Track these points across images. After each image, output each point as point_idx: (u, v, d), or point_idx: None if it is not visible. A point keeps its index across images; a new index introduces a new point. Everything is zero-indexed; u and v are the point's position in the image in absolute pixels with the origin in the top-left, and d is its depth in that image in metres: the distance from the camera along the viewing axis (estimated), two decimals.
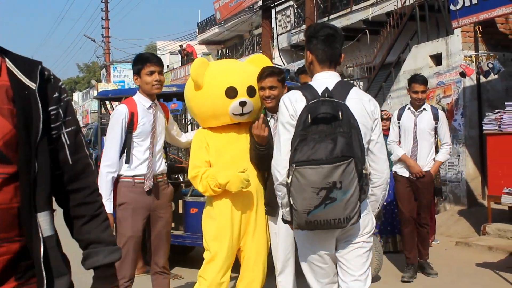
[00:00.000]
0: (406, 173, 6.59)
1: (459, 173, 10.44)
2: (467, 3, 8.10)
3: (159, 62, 4.57)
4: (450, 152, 6.95)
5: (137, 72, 4.53)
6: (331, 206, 3.01)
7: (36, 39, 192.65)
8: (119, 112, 4.45)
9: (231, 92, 4.36)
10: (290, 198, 3.10)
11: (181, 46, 32.69)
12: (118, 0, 56.15)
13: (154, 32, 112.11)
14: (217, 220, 4.36)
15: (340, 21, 16.50)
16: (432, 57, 11.29)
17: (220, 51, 29.36)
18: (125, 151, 4.44)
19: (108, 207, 4.24)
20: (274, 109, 4.32)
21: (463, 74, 9.50)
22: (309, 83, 3.42)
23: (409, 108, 6.70)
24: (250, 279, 4.50)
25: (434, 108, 6.81)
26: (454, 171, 10.54)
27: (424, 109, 6.62)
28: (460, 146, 10.35)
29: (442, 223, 9.63)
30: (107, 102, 8.31)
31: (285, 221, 3.51)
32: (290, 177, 3.07)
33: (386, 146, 7.84)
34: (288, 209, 3.24)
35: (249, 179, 4.24)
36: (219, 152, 4.43)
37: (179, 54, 34.18)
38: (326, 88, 3.22)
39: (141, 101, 4.54)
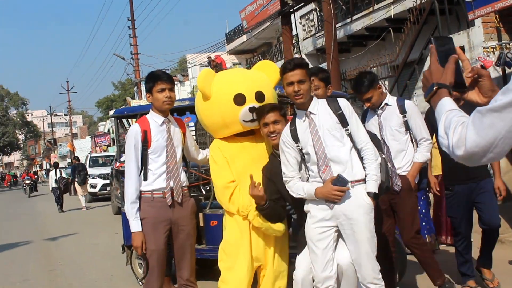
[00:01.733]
0: None
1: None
2: None
3: (169, 80, 4.66)
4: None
5: (149, 90, 4.64)
6: None
7: (69, 62, 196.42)
8: (132, 133, 4.58)
9: (239, 99, 4.38)
10: None
11: (209, 57, 32.83)
12: (144, 16, 56.29)
13: (183, 46, 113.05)
14: (238, 226, 4.42)
15: (363, 21, 16.35)
16: None
17: (249, 60, 29.38)
18: (142, 168, 4.56)
19: (136, 226, 4.47)
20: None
21: (482, 67, 9.25)
22: None
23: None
24: None
25: (401, 100, 5.47)
26: None
27: (386, 104, 5.35)
28: None
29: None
30: (124, 120, 8.35)
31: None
32: None
33: None
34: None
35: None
36: (232, 160, 4.45)
37: (208, 66, 34.41)
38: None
39: (154, 118, 4.63)
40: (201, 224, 6.86)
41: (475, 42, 10.32)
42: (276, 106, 4.43)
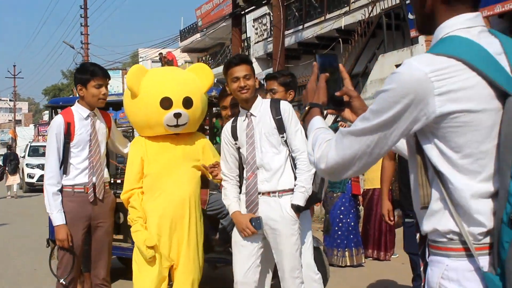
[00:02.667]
0: None
1: None
2: None
3: (107, 75, 4.57)
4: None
5: (83, 83, 4.47)
6: None
7: (17, 46, 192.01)
8: (55, 124, 4.46)
9: (166, 103, 4.32)
10: None
11: (160, 53, 32.56)
12: (97, 6, 55.43)
13: (136, 40, 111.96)
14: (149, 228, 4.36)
15: (314, 30, 16.53)
16: (398, 66, 11.25)
17: (201, 59, 29.34)
18: (63, 161, 4.45)
19: (60, 218, 4.37)
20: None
21: None
22: None
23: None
24: None
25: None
26: None
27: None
28: None
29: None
30: (58, 110, 8.15)
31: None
32: None
33: None
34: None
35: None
36: (152, 160, 4.42)
37: (159, 62, 34.11)
38: None
39: (79, 111, 4.53)
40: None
41: None
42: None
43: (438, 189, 1.67)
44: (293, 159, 4.02)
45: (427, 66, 1.59)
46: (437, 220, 1.68)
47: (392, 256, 8.30)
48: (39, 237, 10.87)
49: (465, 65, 1.58)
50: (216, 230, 6.01)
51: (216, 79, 9.83)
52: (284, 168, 3.97)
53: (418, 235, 3.70)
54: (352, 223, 7.75)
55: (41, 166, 23.04)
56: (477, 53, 1.60)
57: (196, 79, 4.63)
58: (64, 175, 4.47)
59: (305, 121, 1.99)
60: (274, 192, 3.95)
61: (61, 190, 4.47)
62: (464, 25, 1.69)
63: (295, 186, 3.96)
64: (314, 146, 1.84)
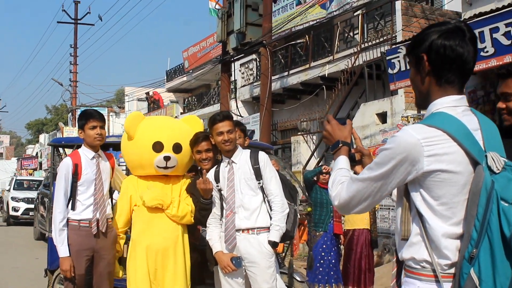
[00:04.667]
0: None
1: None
2: (403, 68, 8.73)
3: (101, 118, 5.07)
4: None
5: (81, 127, 5.03)
6: None
7: (3, 80, 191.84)
8: (64, 165, 4.95)
9: (157, 146, 4.83)
10: None
11: (147, 93, 33.17)
12: (87, 46, 56.01)
13: (123, 79, 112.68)
14: (135, 256, 4.85)
15: (299, 76, 17.16)
16: (378, 115, 11.94)
17: (186, 100, 29.83)
18: (71, 198, 4.93)
19: (65, 251, 4.85)
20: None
21: None
22: None
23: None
24: None
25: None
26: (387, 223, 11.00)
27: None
28: None
29: (383, 275, 10.01)
30: (60, 149, 8.62)
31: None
32: None
33: (325, 198, 8.32)
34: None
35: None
36: (140, 194, 4.88)
37: (146, 101, 34.66)
38: None
39: (85, 153, 5.02)
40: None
41: (397, 110, 11.20)
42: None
43: (418, 226, 2.14)
44: (268, 202, 4.64)
45: (420, 134, 2.05)
46: (415, 250, 2.12)
47: None
48: (28, 268, 11.23)
49: (448, 136, 2.05)
50: (206, 264, 6.49)
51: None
52: (260, 208, 4.59)
53: (394, 259, 4.21)
54: (333, 260, 8.27)
55: (26, 200, 23.29)
56: (458, 128, 2.07)
57: (188, 129, 5.18)
58: (72, 211, 4.94)
59: (334, 155, 2.47)
60: (253, 229, 4.54)
61: (67, 224, 4.92)
62: (451, 104, 2.15)
63: (271, 225, 4.58)
64: (333, 185, 2.32)
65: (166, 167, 4.86)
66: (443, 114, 2.13)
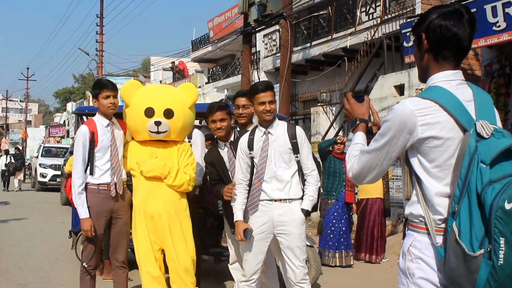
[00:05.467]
0: None
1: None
2: None
3: (114, 88, 5.35)
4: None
5: (95, 96, 5.31)
6: None
7: (31, 49, 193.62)
8: (81, 133, 5.24)
9: (149, 112, 5.13)
10: None
11: (173, 63, 33.40)
12: (113, 15, 56.19)
13: (149, 48, 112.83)
14: (135, 215, 5.25)
15: (321, 48, 17.21)
16: (396, 87, 12.03)
17: (211, 70, 29.98)
18: (89, 164, 5.23)
19: (85, 213, 5.17)
20: (226, 138, 5.13)
21: None
22: None
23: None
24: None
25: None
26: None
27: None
28: None
29: (396, 243, 10.25)
30: (84, 118, 8.96)
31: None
32: None
33: (338, 167, 8.56)
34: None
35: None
36: (139, 164, 5.20)
37: (171, 70, 34.96)
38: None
39: (100, 121, 5.31)
40: None
41: (414, 82, 11.29)
42: (223, 106, 5.17)
43: (416, 187, 2.44)
44: (302, 175, 4.81)
45: (414, 106, 2.35)
46: (413, 207, 2.44)
47: (383, 260, 9.12)
48: (54, 231, 11.72)
49: (440, 107, 2.34)
50: (222, 228, 6.80)
51: (226, 95, 10.63)
52: (292, 180, 4.75)
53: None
54: (344, 228, 8.57)
55: (54, 166, 23.98)
56: (449, 99, 2.36)
57: (182, 95, 5.40)
58: (90, 176, 5.24)
59: (353, 131, 2.76)
60: (285, 199, 4.73)
61: (86, 188, 5.23)
62: (446, 78, 2.43)
63: (304, 195, 4.78)
64: (348, 158, 2.63)
65: (158, 132, 5.13)
66: (437, 87, 2.42)
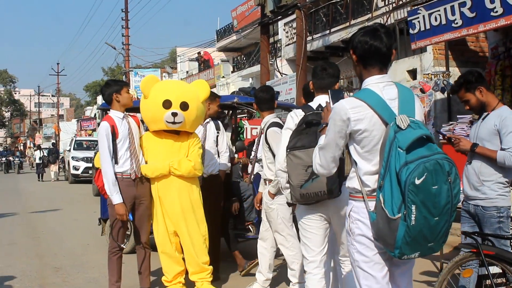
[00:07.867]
0: None
1: None
2: (423, 28, 9.14)
3: (129, 86, 6.07)
4: None
5: (117, 91, 5.85)
6: (316, 181, 4.13)
7: (60, 45, 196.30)
8: (104, 128, 5.74)
9: (167, 104, 5.71)
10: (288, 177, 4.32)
11: (198, 53, 33.81)
12: (138, 9, 56.82)
13: (176, 40, 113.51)
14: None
15: (340, 34, 17.51)
16: (409, 71, 12.36)
17: (236, 58, 30.33)
18: (114, 155, 5.76)
19: (119, 198, 5.68)
20: None
21: (422, 90, 10.57)
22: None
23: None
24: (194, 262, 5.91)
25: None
26: None
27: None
28: None
29: None
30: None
31: (289, 204, 4.83)
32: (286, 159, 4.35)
33: None
34: (288, 190, 4.42)
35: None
36: (154, 154, 5.86)
37: (197, 61, 35.39)
38: (320, 104, 4.44)
39: (116, 115, 5.84)
40: None
41: (426, 66, 11.61)
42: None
43: (353, 167, 3.17)
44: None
45: (349, 104, 3.04)
46: (350, 182, 3.20)
47: None
48: (87, 220, 12.36)
49: (367, 105, 3.02)
50: (240, 211, 7.27)
51: (238, 88, 11.13)
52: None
53: None
54: None
55: (86, 159, 24.73)
56: (375, 99, 3.06)
57: (196, 91, 6.00)
58: (116, 165, 5.74)
59: (320, 133, 3.45)
60: None
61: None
62: (375, 81, 3.11)
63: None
64: (314, 157, 3.32)
65: (174, 122, 5.70)
66: (367, 90, 3.11)
